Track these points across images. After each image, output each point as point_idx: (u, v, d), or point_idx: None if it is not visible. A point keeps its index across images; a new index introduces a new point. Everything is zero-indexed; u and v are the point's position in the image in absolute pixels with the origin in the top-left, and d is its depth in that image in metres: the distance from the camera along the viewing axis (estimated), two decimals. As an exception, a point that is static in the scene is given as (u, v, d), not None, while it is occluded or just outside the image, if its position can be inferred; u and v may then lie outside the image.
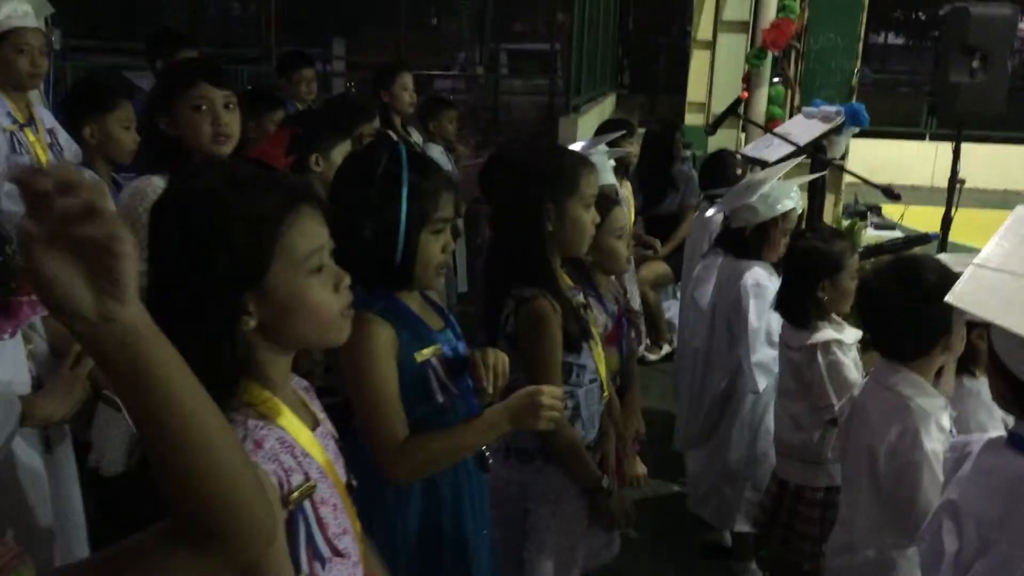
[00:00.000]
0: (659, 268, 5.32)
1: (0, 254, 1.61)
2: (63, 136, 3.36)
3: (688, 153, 6.02)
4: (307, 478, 1.24)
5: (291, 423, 1.26)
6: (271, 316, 1.23)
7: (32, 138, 3.31)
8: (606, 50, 11.88)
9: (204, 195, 1.20)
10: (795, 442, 2.76)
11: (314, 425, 1.34)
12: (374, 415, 1.72)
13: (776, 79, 6.01)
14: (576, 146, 3.91)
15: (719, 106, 9.20)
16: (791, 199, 3.21)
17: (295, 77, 4.83)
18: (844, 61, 5.83)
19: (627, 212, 4.48)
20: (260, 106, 3.71)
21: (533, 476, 2.27)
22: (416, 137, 4.43)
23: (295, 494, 1.21)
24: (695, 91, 10.47)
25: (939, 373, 2.18)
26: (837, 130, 4.70)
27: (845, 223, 5.82)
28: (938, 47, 5.13)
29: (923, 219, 6.38)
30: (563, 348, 2.17)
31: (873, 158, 13.07)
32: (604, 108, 11.41)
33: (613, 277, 2.86)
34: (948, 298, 1.41)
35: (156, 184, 2.27)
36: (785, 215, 3.18)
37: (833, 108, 4.62)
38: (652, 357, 5.33)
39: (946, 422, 2.04)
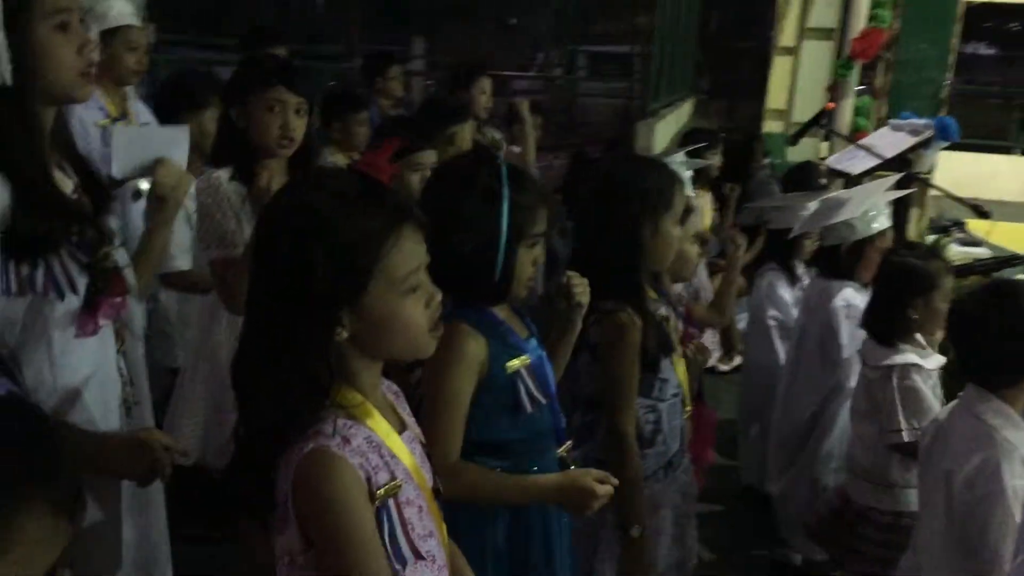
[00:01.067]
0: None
1: (96, 254, 1.67)
2: None
3: (767, 162, 5.94)
4: (393, 478, 1.28)
5: (380, 425, 1.30)
6: (363, 330, 1.27)
7: (126, 133, 3.43)
8: (686, 54, 11.79)
9: (312, 209, 1.24)
10: (864, 463, 2.71)
11: (401, 429, 1.37)
12: (436, 425, 1.73)
13: (861, 87, 5.88)
14: (657, 154, 3.90)
15: (800, 114, 9.06)
16: (887, 217, 3.15)
17: (386, 74, 4.88)
18: (934, 72, 5.68)
19: (701, 221, 4.46)
20: (344, 106, 3.78)
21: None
22: (493, 136, 4.45)
23: (381, 491, 1.25)
24: (775, 98, 10.32)
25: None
26: (925, 144, 4.59)
27: (930, 239, 5.67)
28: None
29: (1012, 237, 6.18)
30: (643, 363, 2.17)
31: (960, 172, 12.67)
32: (682, 113, 11.32)
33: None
34: None
35: (223, 178, 2.37)
36: (881, 234, 3.13)
37: (922, 121, 4.51)
38: (723, 368, 5.27)
39: None
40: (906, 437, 2.53)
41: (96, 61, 1.67)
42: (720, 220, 5.20)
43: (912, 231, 5.98)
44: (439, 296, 1.34)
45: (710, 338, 4.61)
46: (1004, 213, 8.89)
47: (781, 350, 3.74)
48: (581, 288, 1.97)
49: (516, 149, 4.64)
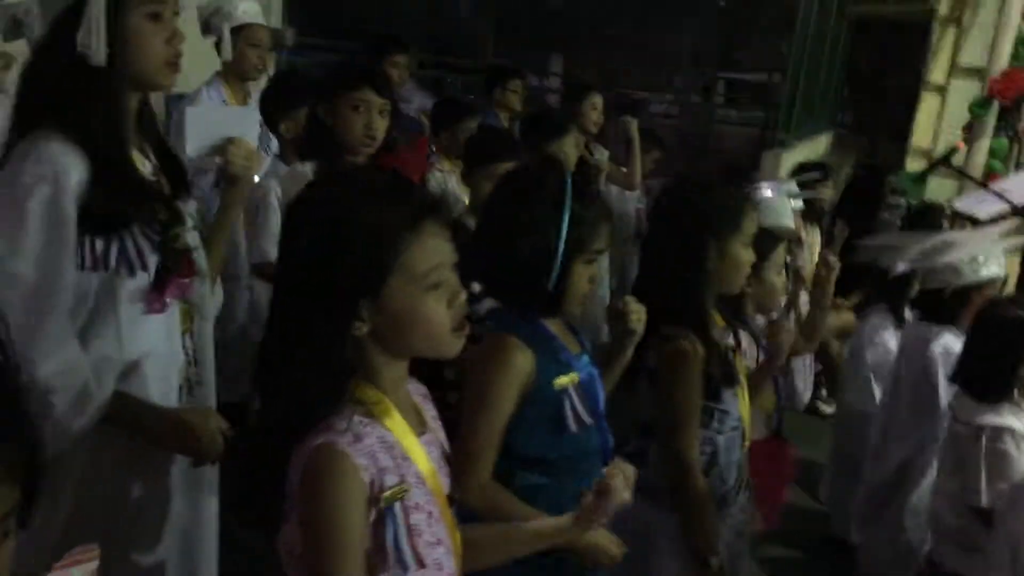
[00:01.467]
0: (847, 318, 5.04)
1: (168, 233, 1.74)
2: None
3: (901, 201, 5.68)
4: (402, 481, 1.27)
5: (398, 426, 1.30)
6: (383, 325, 1.27)
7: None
8: (828, 87, 11.42)
9: (336, 202, 1.27)
10: (952, 523, 2.55)
11: (422, 431, 1.37)
12: (472, 436, 1.73)
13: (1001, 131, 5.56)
14: (765, 185, 3.80)
15: (958, 159, 8.67)
16: (999, 265, 2.98)
17: (508, 86, 4.94)
18: (1084, 118, 5.33)
19: (808, 258, 4.31)
20: (451, 115, 3.84)
21: (662, 515, 2.18)
22: (601, 155, 4.43)
23: (387, 493, 1.24)
24: (921, 136, 9.87)
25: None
26: (1063, 193, 4.30)
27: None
28: None
29: None
30: (704, 393, 2.11)
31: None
32: (817, 146, 10.95)
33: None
34: None
35: (308, 172, 2.49)
36: (990, 282, 2.95)
37: (1061, 168, 4.24)
38: (828, 410, 5.07)
39: None
40: (984, 501, 2.37)
41: (181, 53, 1.75)
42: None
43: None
44: (463, 296, 1.33)
45: (805, 375, 4.46)
46: None
47: (878, 395, 3.58)
48: (637, 315, 1.93)
49: (624, 169, 4.61)
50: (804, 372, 4.29)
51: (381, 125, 2.55)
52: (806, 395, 4.67)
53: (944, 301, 2.98)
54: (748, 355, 2.66)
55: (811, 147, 10.59)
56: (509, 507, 1.74)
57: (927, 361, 2.96)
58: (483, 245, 1.88)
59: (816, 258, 4.70)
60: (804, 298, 4.58)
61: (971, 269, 2.88)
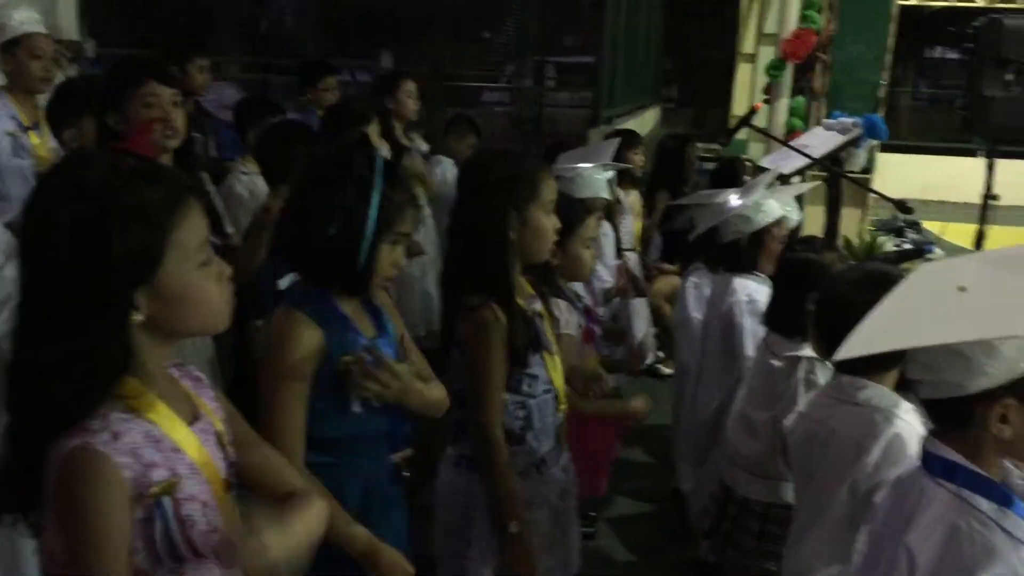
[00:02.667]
0: (674, 282, 5.25)
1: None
2: None
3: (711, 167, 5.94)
4: (173, 474, 1.24)
5: (164, 417, 1.26)
6: (160, 309, 1.23)
7: (36, 141, 3.41)
8: (647, 62, 11.80)
9: (87, 191, 1.19)
10: (747, 453, 2.69)
11: (194, 419, 1.33)
12: (276, 418, 1.72)
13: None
14: (574, 156, 3.90)
15: (761, 119, 9.12)
16: (782, 206, 3.16)
17: (320, 84, 4.88)
18: (870, 73, 5.70)
19: (631, 222, 4.45)
20: (259, 113, 3.77)
21: (480, 485, 2.19)
22: (420, 144, 4.44)
23: (155, 489, 1.21)
24: (740, 104, 10.36)
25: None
26: (856, 143, 4.61)
27: (868, 239, 5.69)
28: (972, 60, 4.99)
29: (966, 236, 6.21)
30: (512, 359, 2.14)
31: (923, 175, 12.79)
32: (645, 120, 11.32)
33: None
34: (847, 351, 1.43)
35: None
36: (778, 223, 3.13)
37: (851, 120, 4.53)
38: (666, 371, 5.26)
39: (920, 427, 1.95)
40: (786, 430, 2.51)
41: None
42: (649, 223, 5.21)
43: (852, 230, 6.01)
44: (229, 270, 1.32)
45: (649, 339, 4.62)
46: (965, 214, 8.93)
47: (707, 351, 3.73)
48: None
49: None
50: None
51: (179, 115, 2.46)
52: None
53: (741, 250, 3.12)
54: (570, 323, 2.73)
55: (639, 122, 10.94)
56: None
57: (729, 308, 3.10)
58: (291, 224, 1.87)
59: (638, 221, 4.87)
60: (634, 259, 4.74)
61: (759, 213, 3.04)
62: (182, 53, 4.36)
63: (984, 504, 1.40)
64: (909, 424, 1.98)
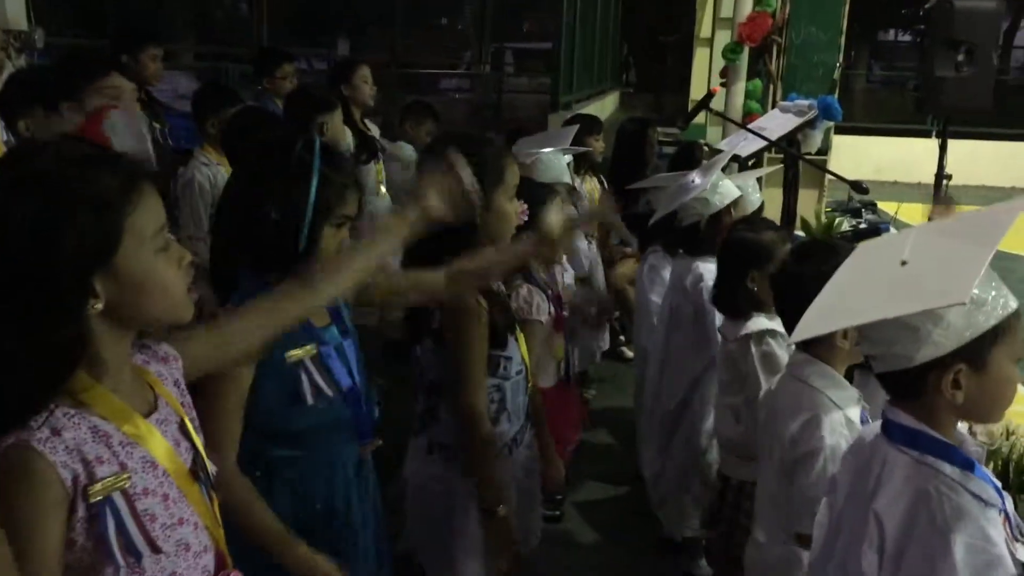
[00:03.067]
0: (634, 265, 5.27)
1: None
2: None
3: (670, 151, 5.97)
4: (123, 469, 1.22)
5: (116, 411, 1.23)
6: (119, 297, 1.21)
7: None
8: (605, 48, 11.86)
9: (38, 180, 1.17)
10: (734, 437, 2.72)
11: (151, 410, 1.31)
12: (218, 414, 1.69)
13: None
14: (534, 141, 3.91)
15: (718, 103, 9.20)
16: (739, 188, 3.19)
17: (276, 73, 4.83)
18: (826, 56, 5.77)
19: (586, 207, 4.47)
20: (217, 102, 3.72)
21: (458, 473, 2.20)
22: (375, 131, 4.42)
23: (98, 486, 1.18)
24: (698, 88, 10.42)
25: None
26: (812, 124, 4.65)
27: (825, 220, 5.74)
28: (924, 41, 5.06)
29: (920, 215, 6.31)
30: (492, 342, 2.15)
31: (878, 156, 12.99)
32: (605, 105, 11.38)
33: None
34: (799, 334, 1.46)
35: None
36: (736, 205, 3.16)
37: (806, 102, 4.57)
38: (629, 354, 5.29)
39: (855, 416, 2.01)
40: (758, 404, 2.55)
41: None
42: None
43: (809, 211, 6.07)
44: (189, 256, 1.30)
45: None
46: (921, 195, 9.05)
47: (666, 334, 3.76)
48: None
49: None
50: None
51: (136, 110, 2.48)
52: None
53: (701, 232, 3.15)
54: (540, 309, 2.74)
55: (598, 107, 10.99)
56: (254, 508, 1.72)
57: (699, 293, 3.11)
58: (233, 210, 1.85)
59: (597, 205, 4.88)
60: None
61: (717, 196, 3.07)
62: (134, 43, 4.28)
63: (948, 468, 1.43)
64: (834, 406, 2.01)
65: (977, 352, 1.39)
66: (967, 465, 1.44)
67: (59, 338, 1.16)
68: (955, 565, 1.36)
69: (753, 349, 2.63)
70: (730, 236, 2.74)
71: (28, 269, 1.15)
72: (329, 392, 1.79)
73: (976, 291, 1.35)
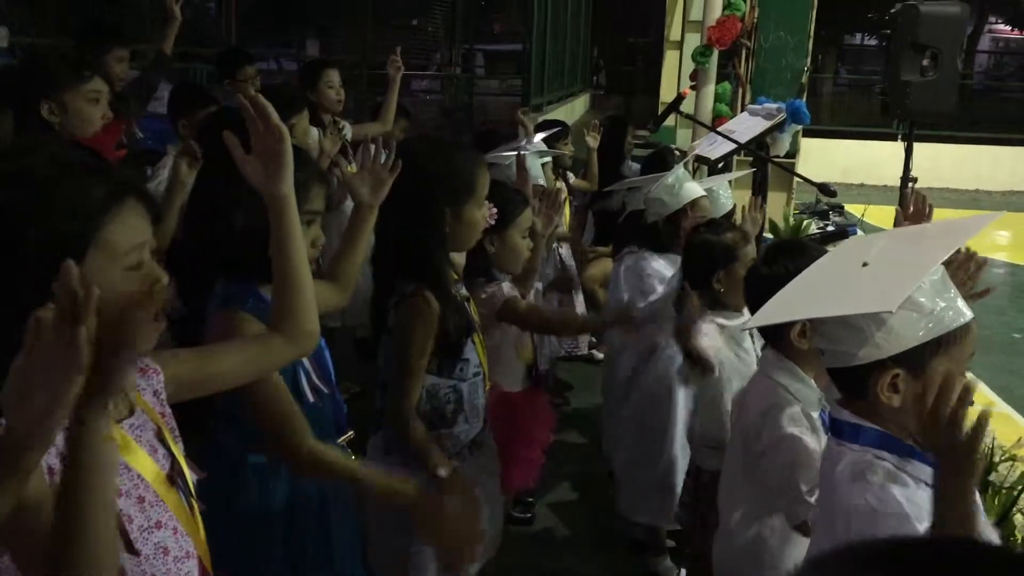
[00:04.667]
0: (607, 265, 5.29)
1: None
2: None
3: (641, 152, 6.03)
4: None
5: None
6: None
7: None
8: (576, 51, 11.90)
9: (26, 174, 1.18)
10: (700, 430, 2.75)
11: (128, 413, 1.29)
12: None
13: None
14: (510, 146, 3.91)
15: (688, 105, 9.30)
16: (711, 191, 3.23)
17: (239, 76, 4.78)
18: (794, 59, 5.83)
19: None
20: (190, 103, 3.69)
21: (415, 471, 2.14)
22: (349, 132, 4.40)
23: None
24: (668, 91, 10.51)
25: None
26: (780, 128, 4.70)
27: (794, 222, 5.82)
28: (890, 45, 5.15)
29: (884, 217, 6.41)
30: (444, 347, 2.14)
31: (845, 159, 13.16)
32: (575, 107, 11.42)
33: None
34: (753, 322, 1.48)
35: None
36: (694, 205, 3.20)
37: (775, 105, 4.61)
38: (599, 356, 5.31)
39: (815, 413, 2.03)
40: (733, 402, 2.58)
41: None
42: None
43: (778, 214, 6.14)
44: (165, 280, 1.27)
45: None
46: (887, 197, 9.15)
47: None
48: None
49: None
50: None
51: (107, 113, 2.57)
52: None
53: (660, 231, 3.23)
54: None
55: (568, 109, 11.04)
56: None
57: (642, 282, 3.19)
58: (200, 221, 1.83)
59: (567, 211, 4.91)
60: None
61: (673, 197, 3.12)
62: (100, 43, 4.23)
63: (888, 456, 1.46)
64: (794, 400, 2.04)
65: (917, 360, 1.41)
66: (908, 452, 1.46)
67: (12, 337, 1.15)
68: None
69: None
70: (693, 240, 2.78)
71: None
72: (324, 388, 1.82)
73: (922, 300, 1.38)
